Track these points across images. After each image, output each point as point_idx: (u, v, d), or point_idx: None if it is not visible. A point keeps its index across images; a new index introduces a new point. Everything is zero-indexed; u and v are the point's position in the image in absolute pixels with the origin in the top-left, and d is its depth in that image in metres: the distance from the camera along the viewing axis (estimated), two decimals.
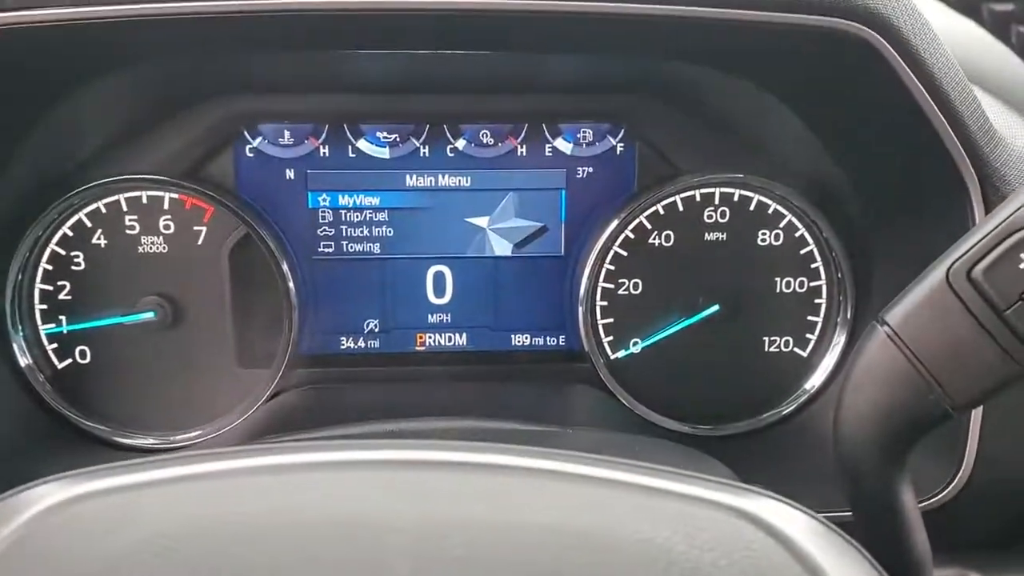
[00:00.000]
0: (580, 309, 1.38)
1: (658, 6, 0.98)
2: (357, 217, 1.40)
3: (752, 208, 1.37)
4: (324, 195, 1.39)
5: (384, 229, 1.41)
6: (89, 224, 1.32)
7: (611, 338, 1.41)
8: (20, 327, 1.32)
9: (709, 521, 0.58)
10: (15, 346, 1.32)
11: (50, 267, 1.33)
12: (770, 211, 1.37)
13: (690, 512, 0.59)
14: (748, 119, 1.32)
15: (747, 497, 0.62)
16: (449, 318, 1.44)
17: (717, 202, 1.37)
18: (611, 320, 1.40)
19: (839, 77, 1.08)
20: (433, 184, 1.39)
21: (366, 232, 1.40)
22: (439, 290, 1.43)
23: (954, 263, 0.79)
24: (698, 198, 1.37)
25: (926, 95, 1.01)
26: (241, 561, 0.52)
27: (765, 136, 1.33)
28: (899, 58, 1.00)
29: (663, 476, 0.62)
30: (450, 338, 1.45)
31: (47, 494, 0.62)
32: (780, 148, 1.33)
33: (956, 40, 1.09)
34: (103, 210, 1.32)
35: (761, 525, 0.59)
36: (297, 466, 0.61)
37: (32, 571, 0.55)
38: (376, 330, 1.44)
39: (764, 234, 1.38)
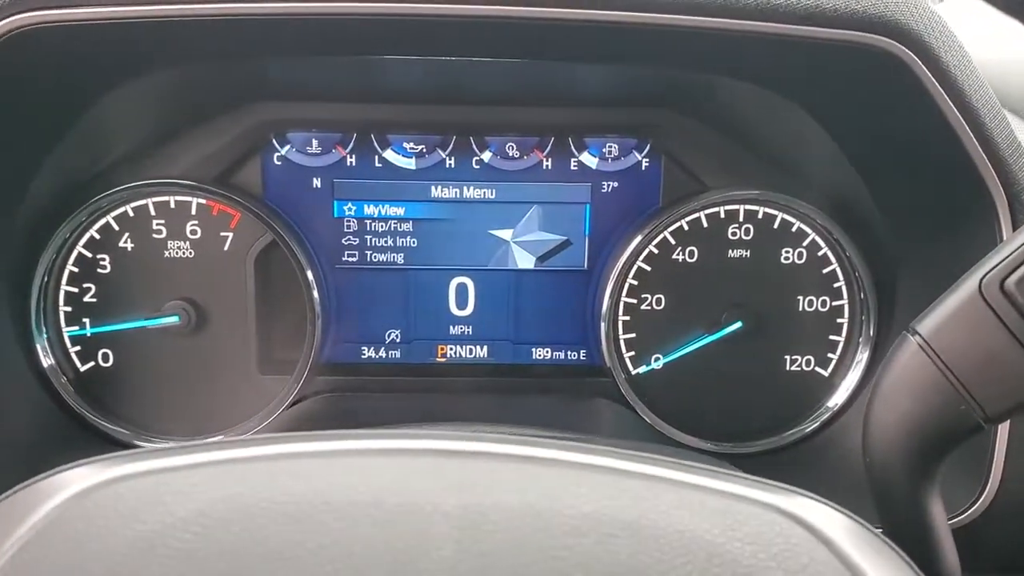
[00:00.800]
0: (602, 324, 1.38)
1: (690, 17, 0.99)
2: (382, 227, 1.40)
3: (776, 226, 1.37)
4: (350, 204, 1.40)
5: (408, 240, 1.41)
6: (116, 227, 1.33)
7: (632, 353, 1.41)
8: (44, 329, 1.33)
9: (749, 516, 0.58)
10: (38, 347, 1.32)
11: (76, 269, 1.34)
12: (794, 229, 1.38)
13: (730, 507, 0.58)
14: (775, 135, 1.33)
15: (786, 496, 0.62)
16: (470, 330, 1.45)
17: (741, 219, 1.37)
18: (633, 335, 1.40)
19: (868, 91, 1.08)
20: (458, 196, 1.40)
21: (390, 242, 1.41)
22: (461, 302, 1.44)
23: (987, 274, 0.78)
24: (722, 215, 1.37)
25: (955, 111, 1.02)
26: (285, 540, 0.52)
27: (791, 153, 1.34)
28: (929, 73, 1.00)
29: (703, 473, 0.62)
30: (471, 350, 1.45)
31: (83, 476, 0.62)
32: (806, 165, 1.33)
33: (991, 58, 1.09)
34: (131, 214, 1.33)
35: (800, 522, 0.59)
36: (339, 452, 0.61)
37: (70, 549, 0.55)
38: (397, 340, 1.45)
39: (787, 252, 1.38)
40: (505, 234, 1.41)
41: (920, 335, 0.80)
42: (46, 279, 1.32)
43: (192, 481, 0.58)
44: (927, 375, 0.80)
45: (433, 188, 1.40)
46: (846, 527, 0.61)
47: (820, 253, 1.38)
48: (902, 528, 0.84)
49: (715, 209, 1.37)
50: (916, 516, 0.83)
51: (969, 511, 1.10)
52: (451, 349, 1.45)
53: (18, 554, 0.56)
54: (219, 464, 0.60)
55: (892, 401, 0.82)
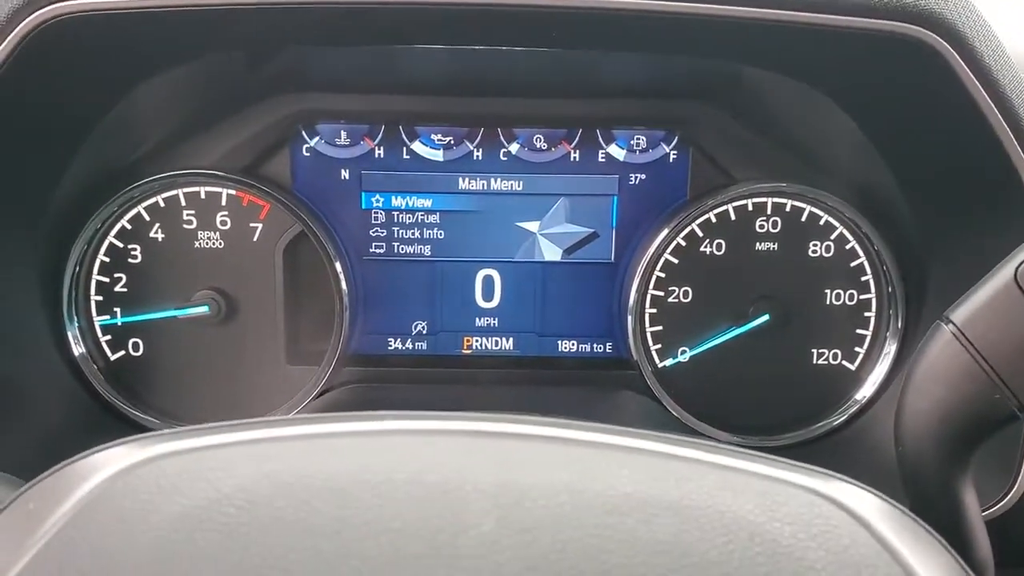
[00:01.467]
0: (629, 317, 1.38)
1: (723, 7, 0.99)
2: (409, 219, 1.41)
3: (804, 219, 1.37)
4: (377, 196, 1.40)
5: (435, 231, 1.42)
6: (147, 217, 1.35)
7: (659, 346, 1.40)
8: (76, 318, 1.34)
9: (789, 498, 0.58)
10: (70, 336, 1.33)
11: (107, 259, 1.35)
12: (821, 222, 1.37)
13: (770, 489, 0.58)
14: (803, 127, 1.32)
15: (825, 479, 0.62)
16: (496, 322, 1.45)
17: (769, 212, 1.37)
18: (660, 328, 1.40)
19: (901, 82, 1.08)
20: (485, 188, 1.40)
21: (417, 234, 1.42)
22: (487, 294, 1.44)
23: (1023, 263, 0.78)
24: (750, 207, 1.37)
25: (988, 100, 1.01)
26: (327, 516, 0.52)
27: (820, 145, 1.33)
28: (962, 63, 1.00)
29: (742, 456, 0.62)
30: (497, 342, 1.46)
31: (123, 455, 0.62)
32: (835, 157, 1.33)
33: None
34: (161, 204, 1.34)
35: (839, 505, 0.59)
36: (377, 432, 0.62)
37: (115, 525, 0.55)
38: (424, 332, 1.45)
39: (815, 245, 1.38)
40: (532, 226, 1.42)
41: (954, 324, 0.80)
42: (78, 269, 1.33)
43: (233, 459, 0.58)
44: (961, 364, 0.79)
45: (460, 180, 1.40)
46: (885, 511, 0.61)
47: (848, 246, 1.38)
48: (934, 518, 0.83)
49: (743, 202, 1.37)
50: (949, 505, 0.82)
51: (1000, 503, 1.09)
52: (477, 341, 1.46)
53: (63, 531, 0.56)
54: (258, 443, 0.60)
55: (925, 390, 0.81)
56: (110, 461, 0.61)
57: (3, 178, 1.13)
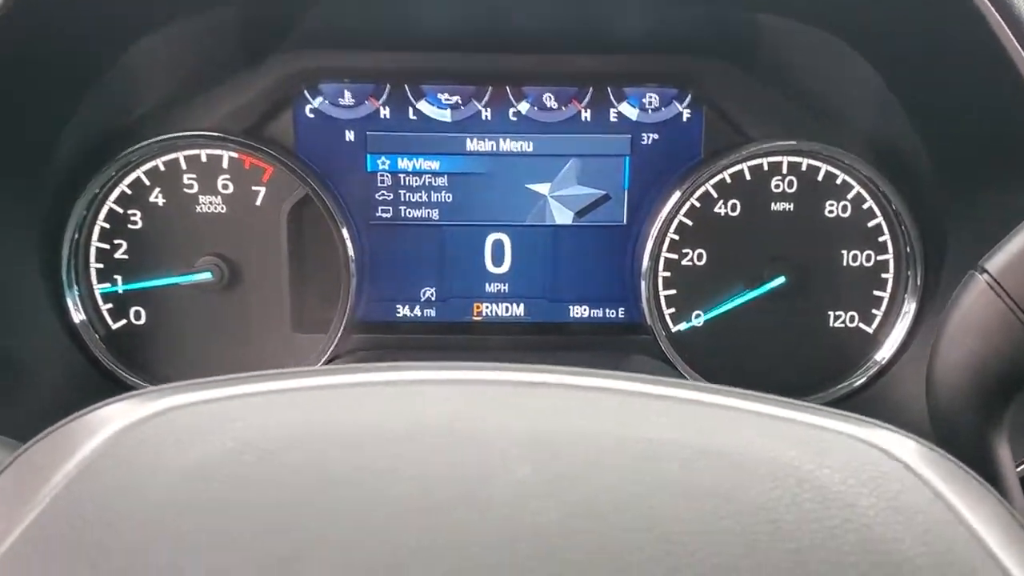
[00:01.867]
0: (642, 281, 1.35)
1: None
2: (416, 181, 1.37)
3: (820, 178, 1.34)
4: (383, 158, 1.37)
5: (443, 195, 1.38)
6: (147, 182, 1.31)
7: (673, 310, 1.37)
8: (75, 285, 1.31)
9: (834, 444, 0.55)
10: (69, 304, 1.30)
11: (107, 225, 1.31)
12: (838, 181, 1.34)
13: (813, 436, 0.56)
14: (822, 81, 1.29)
15: (868, 427, 0.59)
16: (507, 288, 1.42)
17: (784, 171, 1.34)
18: (673, 292, 1.37)
19: (929, 29, 1.04)
20: (494, 149, 1.37)
21: (424, 197, 1.38)
22: (497, 259, 1.41)
23: None
24: (765, 167, 1.33)
25: (1016, 45, 0.98)
26: (350, 464, 0.49)
27: (839, 100, 1.30)
28: (994, 9, 0.96)
29: (784, 406, 0.59)
30: (507, 308, 1.43)
31: (131, 409, 0.60)
32: (854, 112, 1.29)
33: None
34: (161, 168, 1.31)
35: (886, 452, 0.56)
36: (396, 383, 0.59)
37: (127, 476, 0.53)
38: (432, 298, 1.42)
39: (831, 205, 1.35)
40: (542, 188, 1.38)
41: (989, 273, 0.77)
42: (77, 235, 1.30)
43: (250, 411, 0.56)
44: (996, 314, 0.77)
45: (469, 141, 1.36)
46: (933, 459, 0.58)
47: (865, 206, 1.35)
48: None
49: (758, 161, 1.33)
50: (984, 459, 0.80)
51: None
52: (487, 307, 1.43)
53: (70, 485, 0.54)
54: (279, 394, 0.57)
55: (959, 341, 0.79)
56: (118, 415, 0.58)
57: None
